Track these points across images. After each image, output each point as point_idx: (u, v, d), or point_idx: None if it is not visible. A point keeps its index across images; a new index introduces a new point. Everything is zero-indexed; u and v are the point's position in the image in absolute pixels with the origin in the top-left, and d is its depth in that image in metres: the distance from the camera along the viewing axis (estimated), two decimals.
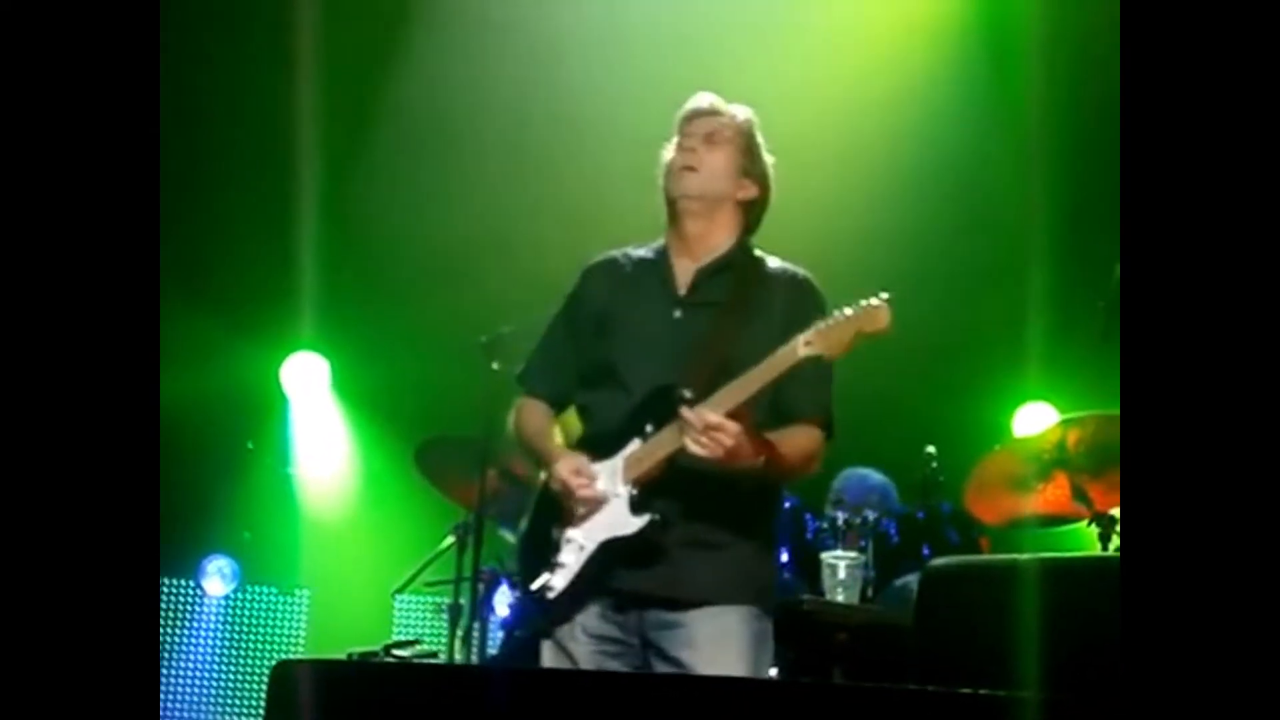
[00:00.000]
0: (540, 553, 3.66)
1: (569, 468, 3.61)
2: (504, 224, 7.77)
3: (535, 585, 3.62)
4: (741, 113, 3.85)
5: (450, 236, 7.84)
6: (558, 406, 3.92)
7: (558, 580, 3.59)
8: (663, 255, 3.83)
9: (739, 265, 3.79)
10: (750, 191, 3.81)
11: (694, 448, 3.41)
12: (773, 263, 3.83)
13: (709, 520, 3.59)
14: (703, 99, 3.87)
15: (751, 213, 3.85)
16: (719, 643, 3.55)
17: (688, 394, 3.51)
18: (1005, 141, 7.33)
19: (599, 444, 3.66)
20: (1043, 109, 6.82)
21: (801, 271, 3.84)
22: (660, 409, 3.56)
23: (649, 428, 3.58)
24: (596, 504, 3.58)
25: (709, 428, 3.39)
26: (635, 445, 3.59)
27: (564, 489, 3.60)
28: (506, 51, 7.65)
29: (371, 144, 7.90)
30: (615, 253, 3.92)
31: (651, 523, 3.53)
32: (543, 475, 3.82)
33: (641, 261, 3.86)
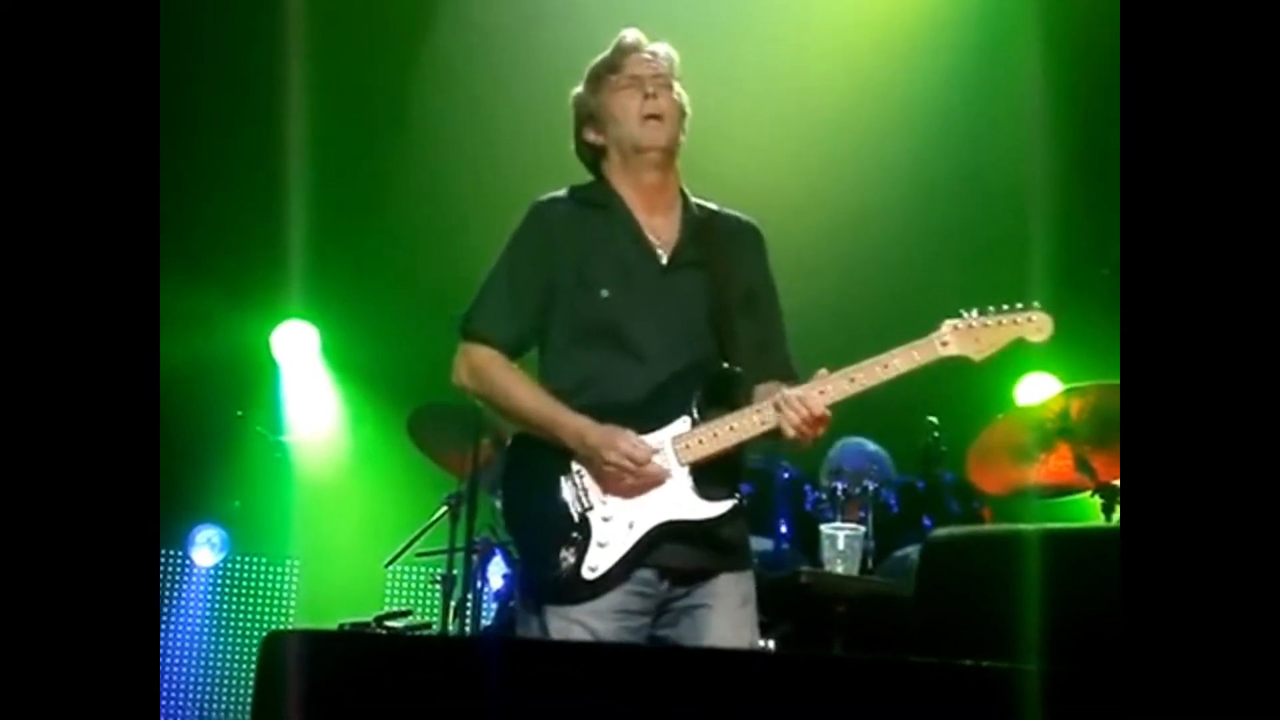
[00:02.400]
0: (555, 530, 3.46)
1: (630, 443, 3.42)
2: (495, 192, 7.71)
3: (565, 565, 3.42)
4: (667, 50, 3.74)
5: (441, 203, 7.82)
6: (515, 353, 3.67)
7: (601, 560, 3.41)
8: (619, 206, 3.66)
9: (705, 222, 3.70)
10: (682, 136, 3.71)
11: (792, 434, 3.38)
12: (714, 209, 3.76)
13: (738, 496, 3.54)
14: (631, 34, 3.75)
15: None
16: (743, 598, 3.55)
17: (738, 369, 3.51)
18: (1006, 108, 7.30)
19: (620, 414, 3.48)
20: (1043, 78, 6.80)
21: (750, 219, 3.80)
22: (707, 386, 3.50)
23: (695, 407, 3.48)
24: (655, 483, 3.45)
25: (818, 420, 3.37)
26: (684, 424, 3.47)
27: (629, 466, 3.42)
28: (511, 34, 7.64)
29: (362, 114, 7.88)
30: (559, 194, 3.73)
31: (734, 509, 3.47)
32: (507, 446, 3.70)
33: (599, 209, 3.67)
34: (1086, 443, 5.00)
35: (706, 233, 3.68)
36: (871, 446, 5.86)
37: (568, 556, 3.42)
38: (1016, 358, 7.20)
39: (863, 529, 5.19)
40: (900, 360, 3.43)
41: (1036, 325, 3.48)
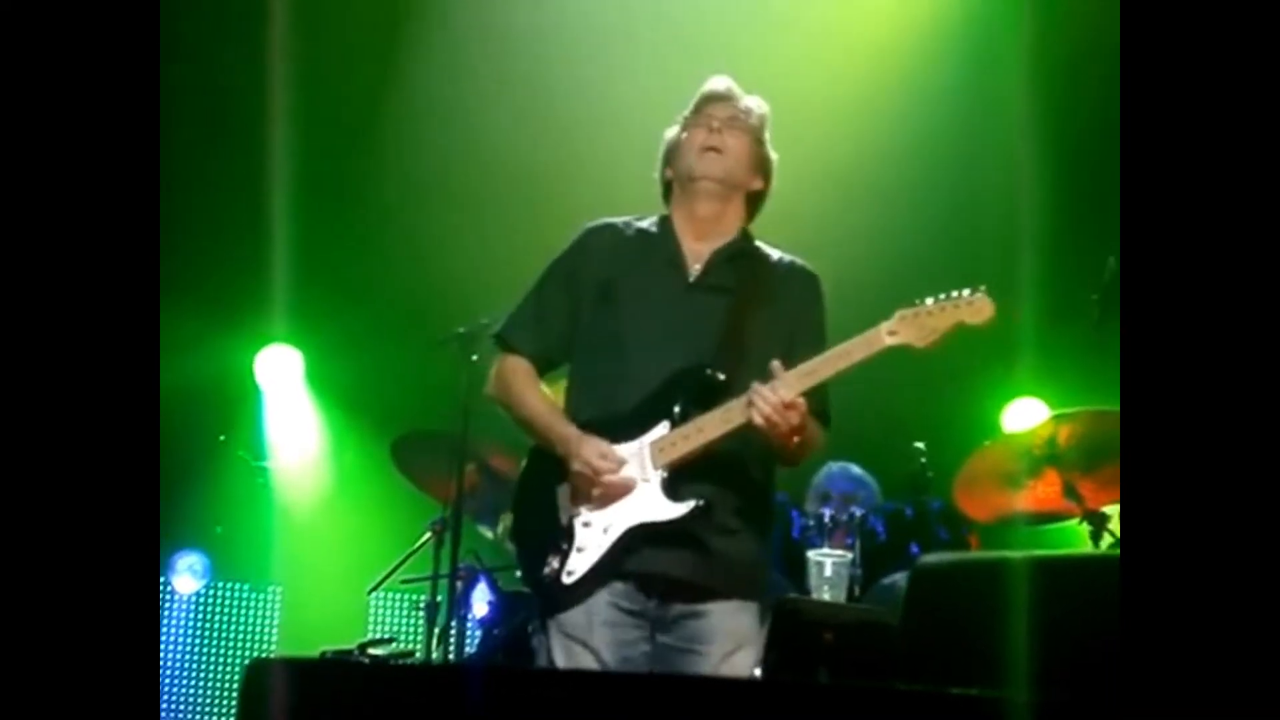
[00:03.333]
0: (548, 536, 3.58)
1: (595, 451, 3.52)
2: (480, 216, 7.73)
3: (549, 570, 3.53)
4: (757, 104, 3.86)
5: (428, 229, 7.81)
6: (544, 366, 3.82)
7: (578, 564, 3.51)
8: (668, 231, 3.79)
9: (749, 254, 3.79)
10: (758, 184, 3.85)
11: (761, 422, 3.39)
12: (775, 254, 3.84)
13: (731, 506, 3.58)
14: (720, 82, 3.87)
15: (754, 205, 3.87)
16: (737, 638, 3.56)
17: (721, 376, 3.53)
18: (995, 135, 7.30)
19: (613, 423, 3.58)
20: (1032, 103, 6.81)
21: (809, 267, 3.86)
22: (690, 390, 3.55)
23: (677, 410, 3.54)
24: (623, 490, 3.51)
25: (787, 406, 3.38)
26: (663, 428, 3.54)
27: (590, 474, 3.51)
28: (490, 44, 7.63)
29: (347, 135, 7.86)
30: (616, 220, 3.87)
31: (695, 509, 3.49)
32: (524, 461, 3.79)
33: (646, 234, 3.81)
34: (1074, 469, 4.98)
35: (747, 263, 3.76)
36: (857, 470, 5.85)
37: (553, 563, 3.54)
38: (1004, 383, 7.30)
39: (850, 555, 5.17)
40: (855, 350, 3.46)
41: (976, 308, 3.45)
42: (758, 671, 4.73)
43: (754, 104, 3.84)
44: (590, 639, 3.49)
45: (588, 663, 3.47)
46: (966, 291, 3.47)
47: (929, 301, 3.47)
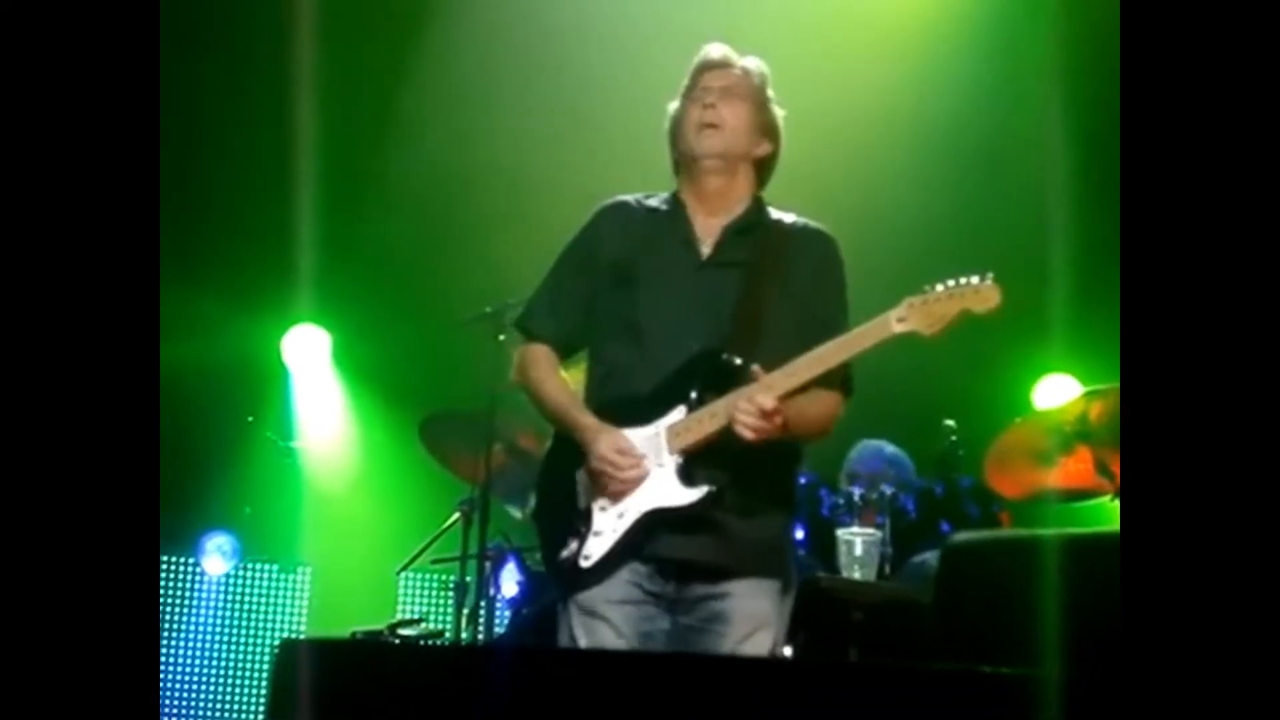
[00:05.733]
0: (567, 520, 3.58)
1: (612, 447, 3.51)
2: (508, 195, 7.72)
3: (566, 553, 3.54)
4: (755, 65, 3.80)
5: (456, 208, 7.81)
6: (564, 350, 3.81)
7: (595, 548, 3.51)
8: (679, 209, 3.76)
9: (762, 225, 3.75)
10: (765, 148, 3.79)
11: (744, 432, 3.40)
12: (789, 219, 3.79)
13: (750, 488, 3.56)
14: (715, 50, 3.81)
15: (765, 169, 3.82)
16: (755, 620, 3.54)
17: (737, 360, 3.51)
18: (1027, 111, 7.27)
19: (630, 407, 3.57)
20: (1064, 79, 6.77)
21: (824, 228, 3.80)
22: (706, 375, 3.54)
23: (693, 394, 3.52)
24: (639, 482, 3.50)
25: (766, 414, 3.38)
26: (680, 413, 3.53)
27: (608, 470, 3.50)
28: (515, 33, 7.62)
29: (373, 115, 7.86)
30: (628, 198, 3.84)
31: (709, 495, 3.47)
32: (546, 444, 3.80)
33: (657, 213, 3.78)
34: (1106, 446, 4.95)
35: (759, 233, 3.72)
36: (890, 449, 5.81)
37: (571, 546, 3.54)
38: (1035, 360, 7.27)
39: (880, 534, 5.15)
40: (863, 338, 3.45)
41: (982, 296, 3.42)
42: (786, 651, 4.75)
43: (752, 65, 3.78)
44: (610, 615, 3.49)
45: (607, 637, 3.48)
46: (975, 278, 3.44)
47: (937, 288, 3.44)
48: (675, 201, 3.77)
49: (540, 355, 3.77)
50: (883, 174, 7.44)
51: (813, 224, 3.80)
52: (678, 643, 3.52)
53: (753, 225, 3.73)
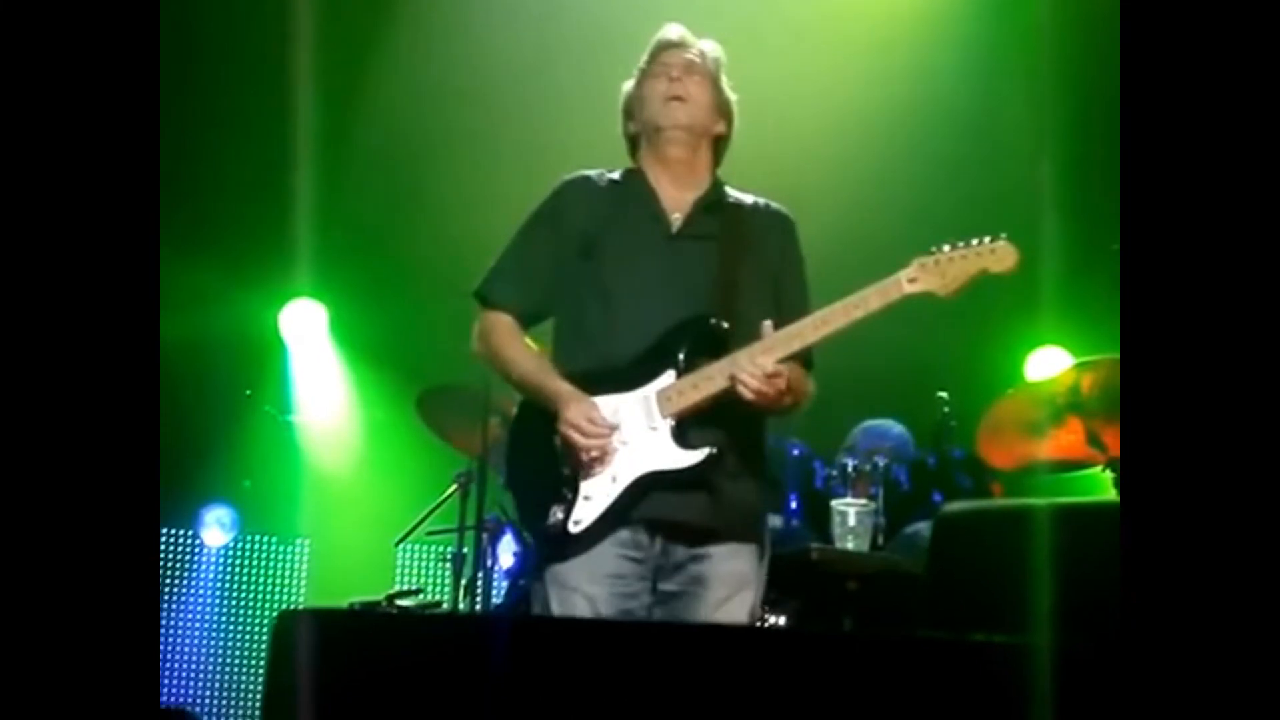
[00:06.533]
0: (550, 486, 3.56)
1: (582, 415, 3.51)
2: (507, 169, 7.69)
3: (554, 519, 3.52)
4: (711, 47, 3.85)
5: (453, 181, 7.78)
6: (527, 319, 3.80)
7: (586, 513, 3.50)
8: (643, 182, 3.78)
9: (726, 202, 3.79)
10: (721, 127, 3.84)
11: (745, 392, 3.42)
12: (748, 199, 3.84)
13: (736, 450, 3.59)
14: (673, 30, 3.86)
15: (720, 149, 3.87)
16: (738, 580, 3.57)
17: (725, 325, 3.54)
18: (1018, 81, 7.26)
19: (609, 373, 3.58)
20: (1055, 49, 6.75)
21: (784, 209, 3.86)
22: (694, 340, 3.55)
23: (681, 358, 3.54)
24: (608, 453, 3.50)
25: (770, 376, 3.40)
26: (669, 377, 3.54)
27: (575, 436, 3.50)
28: (506, 13, 7.60)
29: (370, 90, 7.84)
30: (590, 173, 3.86)
31: (710, 456, 3.50)
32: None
33: (621, 185, 3.81)
34: (1097, 417, 4.97)
35: (726, 210, 3.76)
36: (897, 429, 5.80)
37: (558, 512, 3.52)
38: (1027, 332, 7.27)
39: (873, 505, 5.17)
40: (872, 299, 3.45)
41: (1000, 256, 3.45)
42: (780, 620, 4.77)
43: (709, 48, 3.84)
44: (591, 590, 3.48)
45: (583, 613, 3.46)
46: (988, 239, 3.47)
47: (947, 248, 3.47)
48: (638, 175, 3.80)
49: (502, 324, 3.76)
50: (873, 150, 7.42)
51: (773, 204, 3.85)
52: (659, 609, 3.54)
53: (718, 202, 3.77)
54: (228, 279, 7.91)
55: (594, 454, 3.50)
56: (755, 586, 3.63)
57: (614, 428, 3.51)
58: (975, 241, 3.47)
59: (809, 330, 3.48)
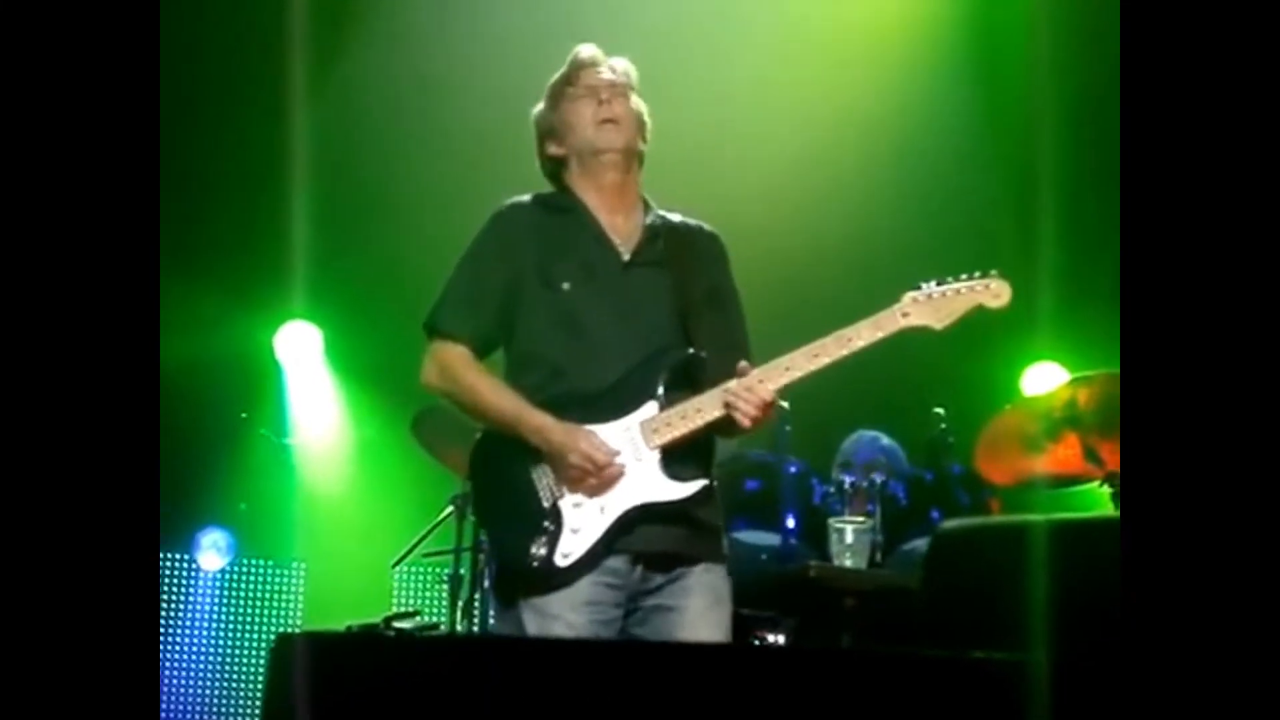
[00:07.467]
0: (529, 520, 3.52)
1: (591, 444, 3.49)
2: (501, 193, 7.69)
3: (538, 552, 3.48)
4: (624, 64, 3.85)
5: (446, 204, 7.76)
6: (482, 350, 3.75)
7: (575, 546, 3.47)
8: (581, 209, 3.76)
9: (667, 225, 3.80)
10: (642, 145, 3.83)
11: (744, 420, 3.47)
12: (676, 217, 3.85)
13: (709, 476, 3.62)
14: (586, 50, 3.86)
15: (640, 166, 3.86)
16: (713, 591, 3.60)
17: (703, 354, 3.57)
18: (1014, 95, 7.28)
19: (584, 404, 3.56)
20: (1048, 66, 6.77)
21: (712, 227, 3.89)
22: (670, 372, 3.57)
23: (660, 391, 3.55)
24: (617, 477, 3.50)
25: (767, 405, 3.47)
26: (651, 408, 3.54)
27: (588, 468, 3.48)
28: (521, 32, 7.61)
29: (365, 111, 7.87)
30: (523, 199, 3.84)
31: (703, 489, 3.53)
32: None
33: (561, 212, 3.78)
34: (1094, 432, 4.98)
35: (668, 235, 3.77)
36: (885, 440, 5.82)
37: (541, 546, 3.48)
38: (1023, 347, 7.28)
39: (871, 522, 5.17)
40: (865, 332, 3.51)
41: (994, 292, 3.54)
42: (778, 638, 4.76)
43: (622, 65, 3.84)
44: (573, 618, 3.45)
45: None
46: (979, 275, 3.55)
47: (935, 284, 3.54)
48: (572, 200, 3.78)
49: (459, 356, 3.71)
50: (866, 169, 7.41)
51: (704, 225, 3.88)
52: (639, 628, 3.54)
53: (661, 226, 3.78)
54: (223, 302, 7.92)
55: (593, 484, 3.49)
56: (728, 601, 3.66)
57: (617, 452, 3.51)
58: (966, 277, 3.55)
59: (801, 362, 3.50)
